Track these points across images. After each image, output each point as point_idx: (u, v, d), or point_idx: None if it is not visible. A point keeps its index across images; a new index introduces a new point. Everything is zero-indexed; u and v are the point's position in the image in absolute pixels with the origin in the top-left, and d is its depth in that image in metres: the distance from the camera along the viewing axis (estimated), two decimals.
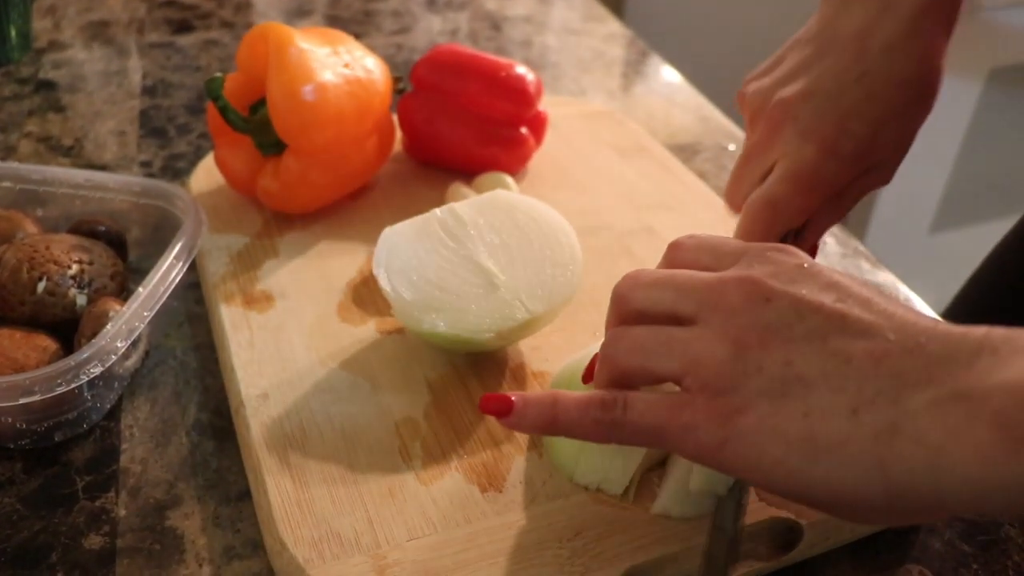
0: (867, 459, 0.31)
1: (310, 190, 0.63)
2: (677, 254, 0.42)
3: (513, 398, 0.40)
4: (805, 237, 0.53)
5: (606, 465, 0.46)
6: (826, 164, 0.49)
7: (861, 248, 0.71)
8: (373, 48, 1.00)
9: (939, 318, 0.36)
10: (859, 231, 1.72)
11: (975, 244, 0.85)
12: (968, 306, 0.79)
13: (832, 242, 0.71)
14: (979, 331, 0.32)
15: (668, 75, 0.99)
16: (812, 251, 0.55)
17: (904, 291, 0.66)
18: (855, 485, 0.32)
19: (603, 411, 0.38)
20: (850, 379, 0.33)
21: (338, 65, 0.62)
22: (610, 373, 0.39)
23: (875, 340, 0.33)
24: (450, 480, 0.47)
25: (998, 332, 0.32)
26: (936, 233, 1.82)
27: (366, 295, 0.59)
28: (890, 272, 0.68)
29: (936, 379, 0.31)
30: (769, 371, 0.34)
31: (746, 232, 0.51)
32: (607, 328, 0.42)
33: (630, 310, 0.40)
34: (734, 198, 0.54)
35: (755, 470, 0.34)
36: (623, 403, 0.37)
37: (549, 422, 0.39)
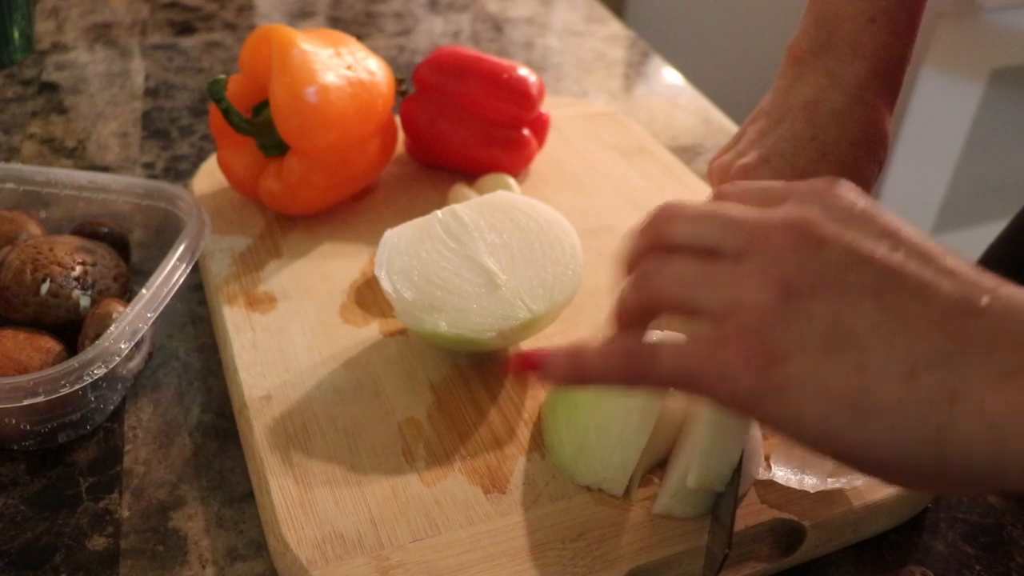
0: (923, 426, 0.30)
1: (313, 192, 0.63)
2: (723, 198, 0.39)
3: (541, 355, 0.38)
4: None
5: (605, 465, 0.46)
6: None
7: None
8: (375, 50, 1.00)
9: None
10: None
11: (977, 245, 0.85)
12: None
13: None
14: None
15: (670, 76, 0.99)
16: None
17: None
18: (908, 452, 0.30)
19: (630, 361, 0.36)
20: (907, 338, 0.31)
21: (341, 67, 0.62)
22: (642, 301, 0.37)
23: (934, 300, 0.31)
24: (453, 481, 0.47)
25: None
26: (938, 235, 1.82)
27: (369, 296, 0.59)
28: None
29: (999, 347, 0.30)
30: (818, 320, 0.31)
31: None
32: (630, 262, 0.39)
33: (667, 243, 0.37)
34: None
35: (795, 426, 0.32)
36: (649, 354, 0.35)
37: (575, 371, 0.37)
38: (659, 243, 0.37)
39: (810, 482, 0.46)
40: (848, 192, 0.35)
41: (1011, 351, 0.30)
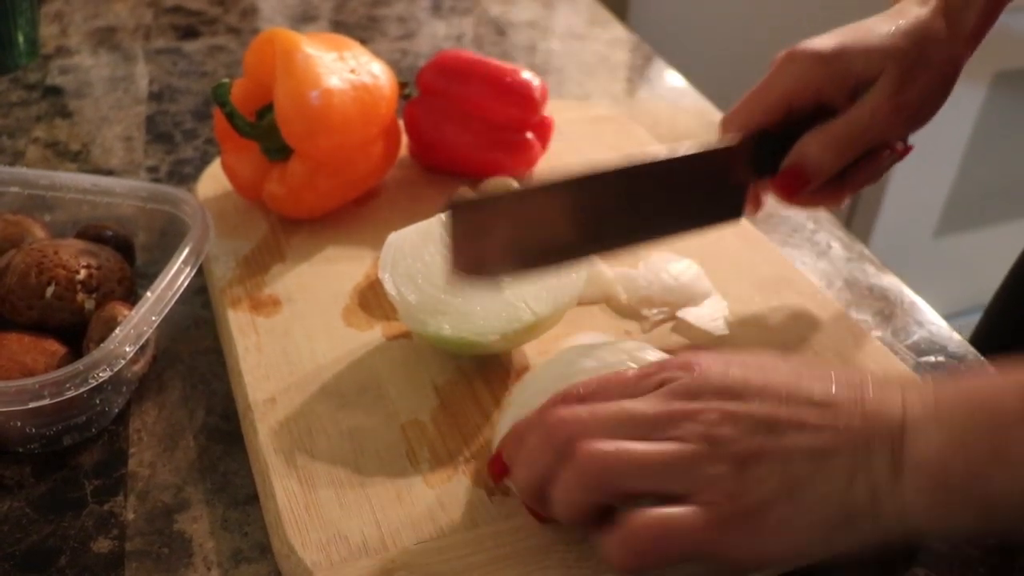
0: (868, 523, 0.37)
1: (316, 195, 0.64)
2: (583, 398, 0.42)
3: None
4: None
5: None
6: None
7: (866, 252, 0.71)
8: (378, 54, 1.00)
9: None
10: (864, 235, 1.72)
11: (980, 248, 0.85)
12: (994, 325, 0.78)
13: (837, 246, 0.71)
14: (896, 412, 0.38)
15: (673, 79, 0.99)
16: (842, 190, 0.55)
17: (910, 295, 0.66)
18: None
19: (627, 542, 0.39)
20: (827, 476, 0.37)
21: (344, 71, 0.62)
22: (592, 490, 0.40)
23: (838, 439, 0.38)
24: (457, 483, 0.47)
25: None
26: (941, 237, 1.82)
27: (373, 300, 0.59)
28: (895, 276, 0.68)
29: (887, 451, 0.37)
30: (770, 481, 0.37)
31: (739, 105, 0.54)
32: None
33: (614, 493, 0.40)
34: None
35: (773, 558, 0.39)
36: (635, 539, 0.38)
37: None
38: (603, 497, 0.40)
39: None
40: (714, 364, 0.41)
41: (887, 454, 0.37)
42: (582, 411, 0.40)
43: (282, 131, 0.61)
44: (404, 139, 0.73)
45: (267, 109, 0.63)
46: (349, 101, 0.61)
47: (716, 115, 0.91)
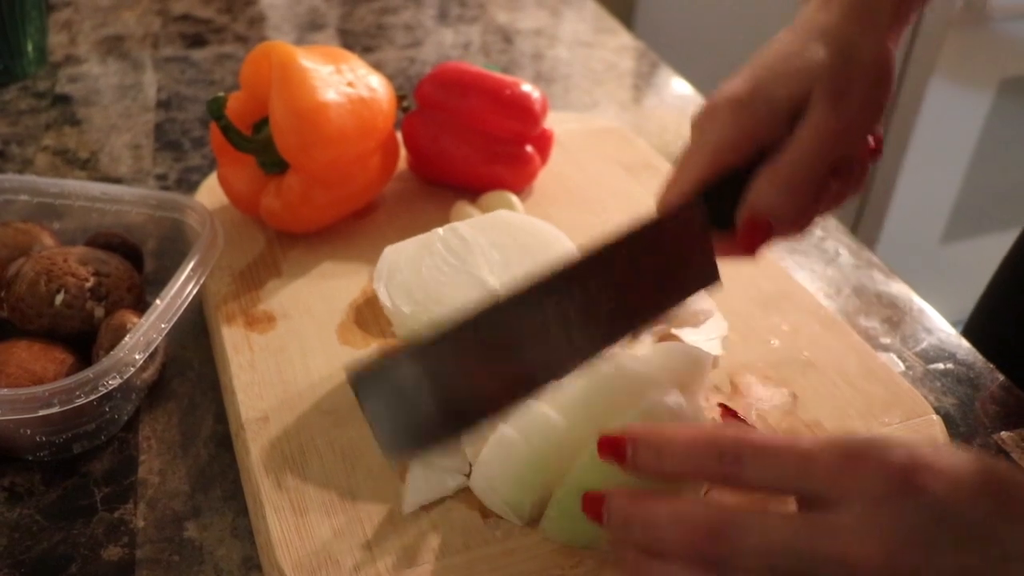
0: None
1: (313, 209, 0.63)
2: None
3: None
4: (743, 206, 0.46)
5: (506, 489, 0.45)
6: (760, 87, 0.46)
7: (874, 259, 0.71)
8: (385, 62, 1.01)
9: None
10: (870, 241, 1.72)
11: (987, 254, 0.84)
12: (986, 317, 0.78)
13: (846, 253, 0.71)
14: None
15: (679, 86, 0.99)
16: (750, 238, 0.46)
17: (918, 302, 0.66)
18: None
19: None
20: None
21: (341, 84, 0.62)
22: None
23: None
24: (450, 505, 0.46)
25: None
26: (947, 243, 1.82)
27: (369, 315, 0.59)
28: (903, 282, 0.68)
29: None
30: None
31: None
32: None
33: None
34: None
35: None
36: None
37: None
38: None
39: None
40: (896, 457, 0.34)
41: None
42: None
43: (277, 144, 0.60)
44: (403, 152, 0.73)
45: (263, 122, 0.63)
46: (346, 114, 0.61)
47: None
